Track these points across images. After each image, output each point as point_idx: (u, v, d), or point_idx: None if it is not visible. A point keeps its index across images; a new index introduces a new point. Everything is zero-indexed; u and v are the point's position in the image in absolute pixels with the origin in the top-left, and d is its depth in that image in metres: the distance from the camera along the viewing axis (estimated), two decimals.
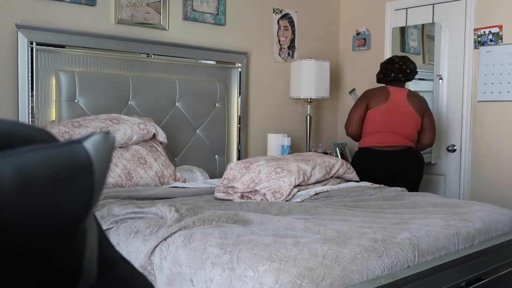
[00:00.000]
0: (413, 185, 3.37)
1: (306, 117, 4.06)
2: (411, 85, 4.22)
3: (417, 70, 3.57)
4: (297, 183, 2.70)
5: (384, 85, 3.51)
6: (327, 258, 1.58)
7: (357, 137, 3.56)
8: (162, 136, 3.05)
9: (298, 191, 2.73)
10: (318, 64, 3.97)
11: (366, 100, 3.47)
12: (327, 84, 4.03)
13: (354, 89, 4.23)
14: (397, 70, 3.46)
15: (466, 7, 3.75)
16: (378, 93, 3.45)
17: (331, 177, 2.98)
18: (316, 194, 2.73)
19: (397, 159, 3.37)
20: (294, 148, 3.95)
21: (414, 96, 3.49)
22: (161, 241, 1.86)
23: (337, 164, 2.99)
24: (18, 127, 0.35)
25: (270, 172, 2.71)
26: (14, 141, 0.33)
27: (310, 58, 4.05)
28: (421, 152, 3.57)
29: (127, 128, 2.84)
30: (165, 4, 3.43)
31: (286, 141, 3.86)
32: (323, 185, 2.88)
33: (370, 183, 3.09)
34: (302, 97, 3.99)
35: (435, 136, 3.52)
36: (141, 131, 2.89)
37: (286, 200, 2.60)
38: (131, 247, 1.96)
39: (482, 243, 2.10)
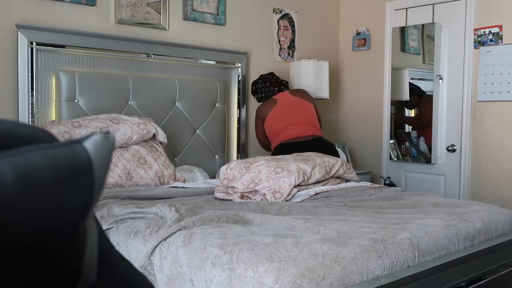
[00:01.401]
0: None
1: None
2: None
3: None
4: (297, 183, 2.70)
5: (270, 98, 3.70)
6: (327, 258, 1.58)
7: (267, 147, 3.73)
8: (162, 136, 3.05)
9: (298, 191, 2.73)
10: (317, 64, 3.96)
11: (259, 117, 3.67)
12: (326, 84, 4.03)
13: None
14: (278, 85, 3.67)
15: (466, 7, 3.75)
16: (265, 105, 3.66)
17: (331, 177, 2.98)
18: (316, 194, 2.73)
19: (309, 148, 3.31)
20: None
21: (296, 91, 3.73)
22: (161, 241, 1.86)
23: (337, 164, 2.99)
24: (18, 127, 0.35)
25: (270, 172, 2.71)
26: (14, 141, 0.33)
27: (309, 58, 4.05)
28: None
29: (127, 128, 2.84)
30: (165, 4, 3.43)
31: None
32: (323, 185, 2.88)
33: (370, 183, 3.09)
34: None
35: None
36: (141, 131, 2.89)
37: (286, 200, 2.60)
38: (131, 247, 1.96)
39: (482, 243, 2.10)
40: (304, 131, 3.49)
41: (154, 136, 3.02)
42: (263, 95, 3.69)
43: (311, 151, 3.20)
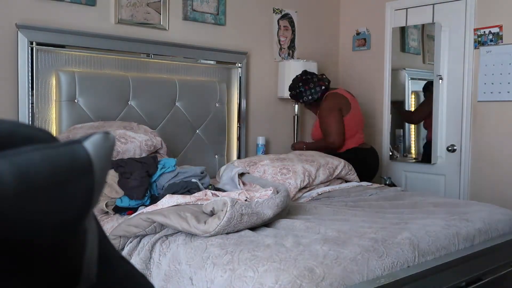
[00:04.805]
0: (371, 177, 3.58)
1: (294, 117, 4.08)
2: (414, 85, 4.22)
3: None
4: (302, 185, 2.70)
5: (333, 91, 3.62)
6: (327, 258, 1.58)
7: (340, 142, 3.46)
8: (164, 150, 2.98)
9: (302, 194, 2.73)
10: (305, 65, 3.90)
11: (336, 106, 3.48)
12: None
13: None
14: (321, 83, 3.59)
15: (466, 7, 3.75)
16: (342, 100, 3.53)
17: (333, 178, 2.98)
18: (319, 195, 2.73)
19: (375, 156, 3.66)
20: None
21: (348, 92, 3.68)
22: (161, 237, 1.87)
23: (340, 166, 2.99)
24: (18, 127, 0.35)
25: (276, 173, 2.71)
26: (14, 141, 0.33)
27: (298, 58, 4.07)
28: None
29: (136, 147, 2.75)
30: (165, 4, 3.43)
31: (261, 140, 3.84)
32: (325, 186, 2.88)
33: (371, 183, 3.09)
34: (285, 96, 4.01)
35: None
36: (148, 148, 2.82)
37: None
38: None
39: (482, 243, 2.09)
40: (364, 139, 3.65)
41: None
42: (310, 97, 3.54)
43: (373, 158, 3.54)
